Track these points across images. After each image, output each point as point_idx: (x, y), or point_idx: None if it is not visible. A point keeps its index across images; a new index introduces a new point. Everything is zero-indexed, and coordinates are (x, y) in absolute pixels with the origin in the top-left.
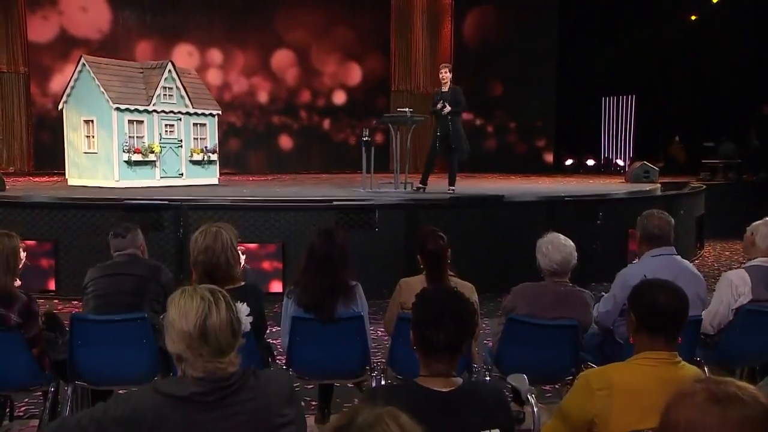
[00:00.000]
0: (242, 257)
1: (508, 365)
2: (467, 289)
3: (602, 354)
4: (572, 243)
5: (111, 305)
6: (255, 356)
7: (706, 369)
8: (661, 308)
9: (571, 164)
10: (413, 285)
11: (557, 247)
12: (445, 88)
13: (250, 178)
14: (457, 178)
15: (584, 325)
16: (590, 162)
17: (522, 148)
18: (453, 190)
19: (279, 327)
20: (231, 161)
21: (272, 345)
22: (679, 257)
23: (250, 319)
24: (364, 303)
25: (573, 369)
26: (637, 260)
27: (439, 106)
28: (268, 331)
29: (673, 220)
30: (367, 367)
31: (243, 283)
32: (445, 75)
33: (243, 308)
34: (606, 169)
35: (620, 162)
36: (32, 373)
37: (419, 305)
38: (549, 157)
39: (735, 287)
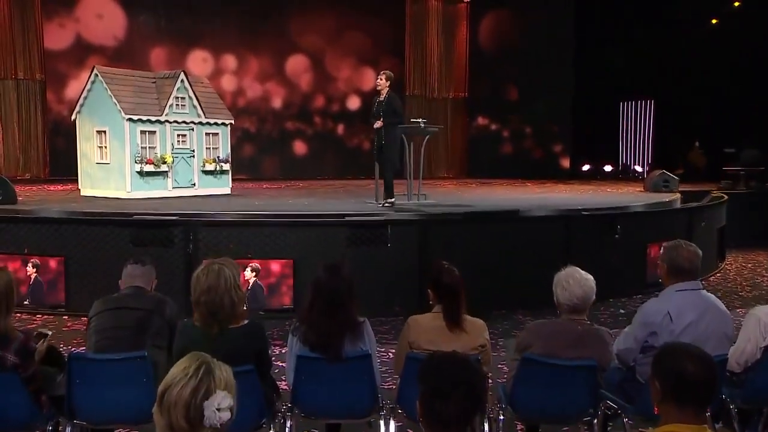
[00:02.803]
0: (252, 274)
1: (523, 406)
2: (479, 326)
3: (623, 392)
4: (592, 277)
5: (112, 341)
6: (258, 395)
7: (731, 407)
8: (690, 378)
9: (588, 170)
10: (422, 323)
11: (579, 281)
12: (381, 97)
13: (264, 186)
14: (394, 191)
15: (603, 365)
16: (608, 168)
17: (538, 154)
18: (387, 203)
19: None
20: (245, 167)
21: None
22: (704, 291)
23: (228, 414)
24: (372, 340)
25: (591, 410)
26: (663, 288)
27: (375, 124)
28: (278, 351)
29: (701, 252)
30: (380, 404)
31: (246, 322)
32: (380, 83)
33: (224, 401)
34: (624, 175)
35: (638, 168)
36: (30, 413)
37: (427, 374)
38: (565, 163)
39: (763, 325)
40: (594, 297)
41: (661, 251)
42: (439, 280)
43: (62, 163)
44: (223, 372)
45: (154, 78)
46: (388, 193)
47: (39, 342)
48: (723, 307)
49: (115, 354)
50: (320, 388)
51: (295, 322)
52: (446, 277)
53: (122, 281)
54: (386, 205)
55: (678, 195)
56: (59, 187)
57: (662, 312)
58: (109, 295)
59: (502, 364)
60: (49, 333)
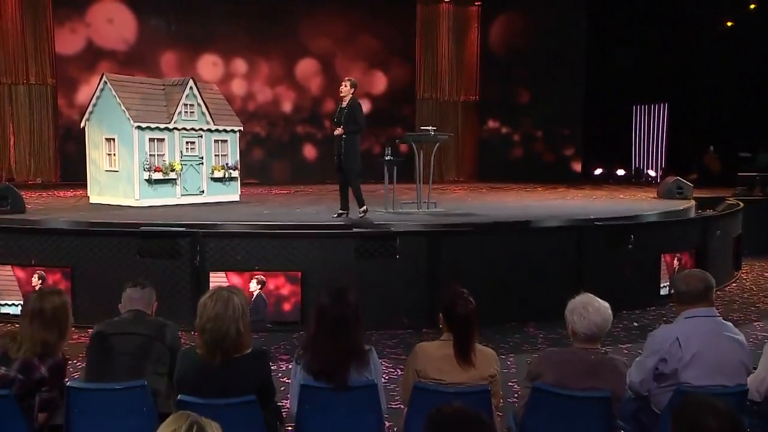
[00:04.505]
0: (257, 286)
1: None
2: (489, 357)
3: (638, 423)
4: (608, 305)
5: (111, 368)
6: (259, 426)
7: None
8: None
9: (601, 174)
10: (430, 351)
11: (597, 309)
12: (344, 104)
13: (273, 191)
14: (363, 198)
15: (618, 396)
16: (620, 172)
17: (549, 157)
18: (364, 212)
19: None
20: (255, 171)
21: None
22: (719, 318)
23: None
24: (378, 369)
25: None
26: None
27: (335, 131)
28: (284, 367)
29: (709, 277)
30: None
31: (249, 351)
32: (343, 89)
33: None
34: (637, 179)
35: (652, 173)
36: None
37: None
38: (577, 166)
39: None
40: (609, 326)
41: None
42: (453, 310)
43: (73, 168)
44: (214, 429)
45: (163, 85)
46: (360, 202)
47: None
48: (738, 334)
49: (115, 383)
50: (325, 418)
51: (299, 350)
52: (460, 308)
53: (122, 305)
54: (360, 215)
55: (692, 202)
56: (69, 193)
57: (671, 338)
58: (109, 318)
59: (512, 382)
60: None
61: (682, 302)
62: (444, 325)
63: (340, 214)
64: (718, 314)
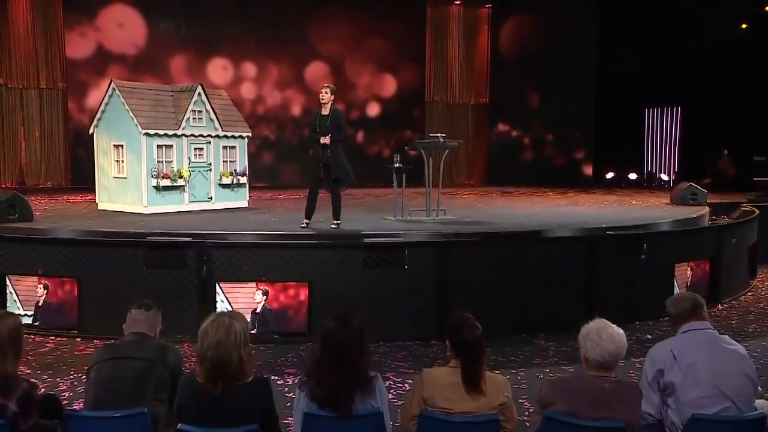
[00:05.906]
0: (263, 297)
1: None
2: (499, 384)
3: None
4: (623, 332)
5: (111, 394)
6: None
7: None
8: None
9: (612, 177)
10: (438, 378)
11: (611, 336)
12: (325, 111)
13: (282, 196)
14: (342, 209)
15: (632, 425)
16: (632, 176)
17: (560, 160)
18: (338, 224)
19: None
20: (264, 175)
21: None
22: (713, 331)
23: None
24: (384, 396)
25: None
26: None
27: (322, 140)
28: (291, 381)
29: (696, 296)
30: None
31: (251, 379)
32: (325, 96)
33: None
34: (649, 183)
35: (664, 177)
36: None
37: None
38: (588, 170)
39: None
40: (624, 354)
41: None
42: (460, 337)
43: (83, 172)
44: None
45: (171, 91)
46: (337, 214)
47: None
48: (735, 346)
49: (114, 411)
50: None
51: (303, 376)
52: (467, 334)
53: (125, 326)
54: (333, 227)
55: (706, 209)
56: (78, 198)
57: (666, 350)
58: (112, 342)
59: (523, 399)
60: (37, 383)
61: (675, 323)
62: (452, 352)
63: (337, 223)
64: (713, 328)
